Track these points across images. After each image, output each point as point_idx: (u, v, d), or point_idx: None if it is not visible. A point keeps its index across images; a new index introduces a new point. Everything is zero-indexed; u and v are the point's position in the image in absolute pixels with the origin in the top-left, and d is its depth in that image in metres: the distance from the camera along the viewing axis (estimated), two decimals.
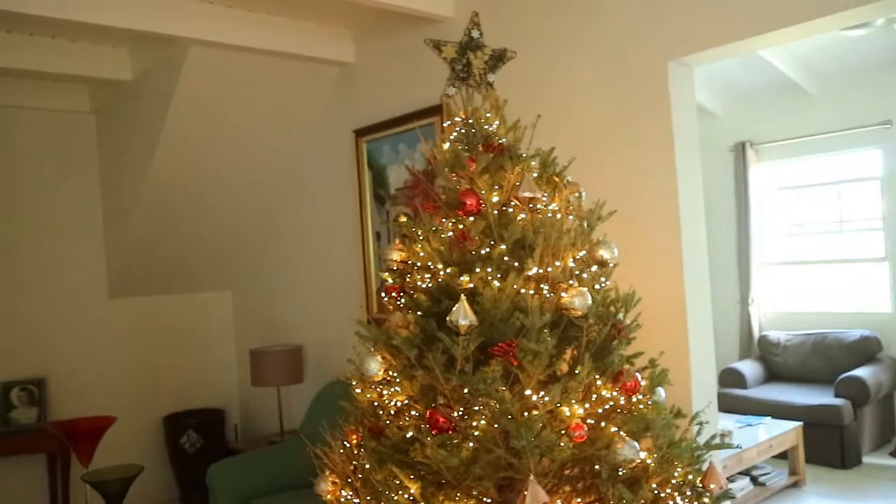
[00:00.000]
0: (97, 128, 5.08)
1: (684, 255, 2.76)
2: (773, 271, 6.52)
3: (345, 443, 2.23)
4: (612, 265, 2.14)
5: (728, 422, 4.86)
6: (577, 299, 1.93)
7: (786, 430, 4.79)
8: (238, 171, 4.74)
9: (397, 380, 2.01)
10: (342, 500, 2.12)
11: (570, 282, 1.98)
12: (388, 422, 2.02)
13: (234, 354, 5.65)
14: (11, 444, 4.46)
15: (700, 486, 2.08)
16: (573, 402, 1.89)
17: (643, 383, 2.10)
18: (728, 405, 5.67)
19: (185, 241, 5.01)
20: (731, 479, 4.49)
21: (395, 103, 3.97)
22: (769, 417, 5.07)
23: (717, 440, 2.24)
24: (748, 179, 6.40)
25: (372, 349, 2.05)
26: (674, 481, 2.07)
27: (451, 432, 1.85)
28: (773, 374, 6.11)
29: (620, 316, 2.14)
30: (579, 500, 2.00)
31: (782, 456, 4.92)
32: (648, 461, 2.01)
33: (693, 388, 2.71)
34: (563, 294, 1.95)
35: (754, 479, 4.64)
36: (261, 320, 5.38)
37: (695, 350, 2.73)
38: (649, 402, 2.10)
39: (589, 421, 1.98)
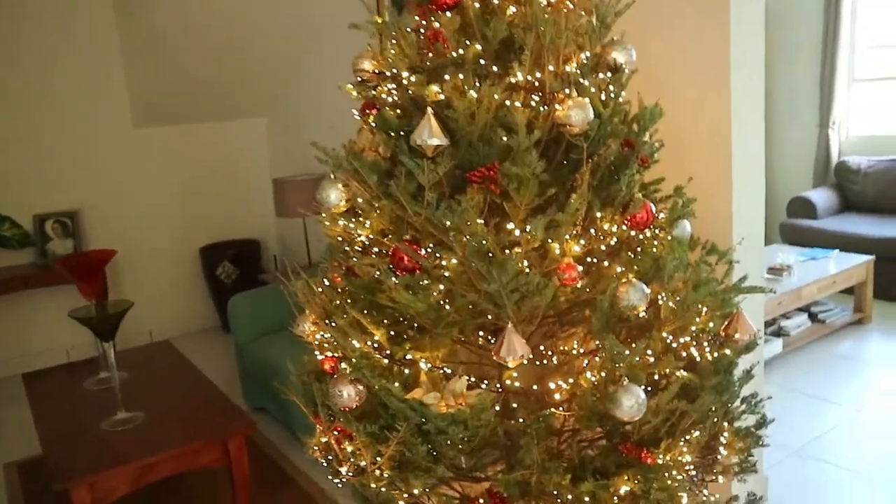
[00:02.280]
0: None
1: (733, 70, 2.28)
2: (861, 89, 5.78)
3: (325, 280, 1.99)
4: (627, 71, 1.72)
5: (790, 255, 4.47)
6: (575, 112, 1.55)
7: (853, 265, 4.36)
8: None
9: (362, 212, 1.73)
10: (317, 342, 1.92)
11: (567, 91, 1.59)
12: (354, 259, 1.76)
13: (270, 185, 5.48)
14: (49, 276, 4.52)
15: (722, 334, 1.78)
16: (566, 237, 1.57)
17: (661, 216, 1.76)
18: (795, 237, 5.26)
19: (213, 62, 4.69)
20: (787, 316, 4.18)
21: None
22: (837, 250, 4.63)
23: (764, 277, 1.90)
24: None
25: (333, 175, 1.75)
26: (693, 328, 1.77)
27: (416, 273, 1.58)
28: (849, 204, 5.58)
29: (646, 138, 1.76)
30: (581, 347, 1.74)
31: (851, 291, 4.55)
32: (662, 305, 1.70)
33: (735, 222, 2.35)
34: (557, 106, 1.57)
35: (813, 316, 4.31)
36: (295, 149, 5.15)
37: (739, 180, 2.33)
38: (668, 238, 1.76)
39: (591, 259, 1.68)
